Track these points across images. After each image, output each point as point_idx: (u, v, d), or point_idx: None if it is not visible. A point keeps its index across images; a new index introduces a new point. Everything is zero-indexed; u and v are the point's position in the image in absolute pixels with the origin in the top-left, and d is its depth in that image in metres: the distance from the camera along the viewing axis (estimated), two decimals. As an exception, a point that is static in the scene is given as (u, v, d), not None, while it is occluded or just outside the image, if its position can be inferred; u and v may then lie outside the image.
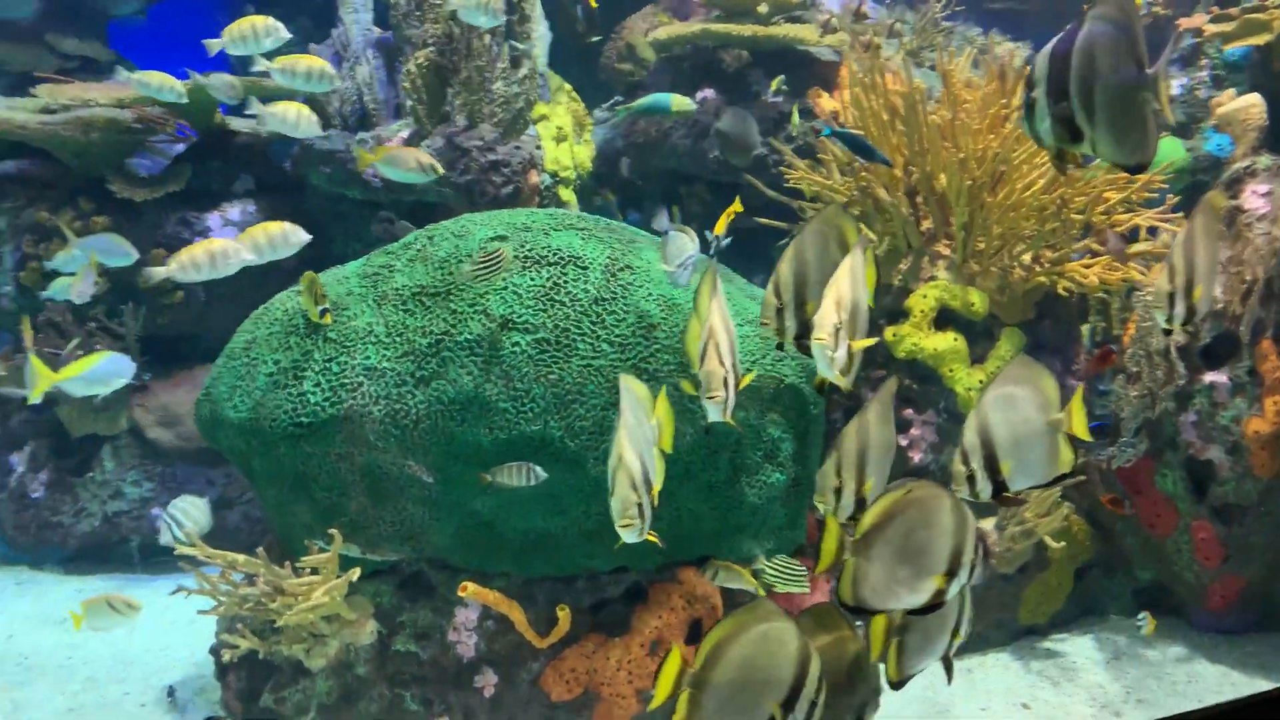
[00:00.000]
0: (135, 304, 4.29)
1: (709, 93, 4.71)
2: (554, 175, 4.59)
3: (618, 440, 2.17)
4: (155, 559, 4.36)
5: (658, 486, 2.17)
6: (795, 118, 4.30)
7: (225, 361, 3.02)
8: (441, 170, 3.64)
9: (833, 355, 2.10)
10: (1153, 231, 3.44)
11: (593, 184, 4.94)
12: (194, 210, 4.34)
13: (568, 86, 4.86)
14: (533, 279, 2.89)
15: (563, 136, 4.67)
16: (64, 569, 4.40)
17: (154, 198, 4.20)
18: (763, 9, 4.90)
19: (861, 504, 2.20)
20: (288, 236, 3.32)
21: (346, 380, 2.82)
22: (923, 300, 3.36)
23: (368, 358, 2.84)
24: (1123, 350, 3.45)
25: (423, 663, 3.00)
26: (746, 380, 2.17)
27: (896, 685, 2.48)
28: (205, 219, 4.34)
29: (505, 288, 2.87)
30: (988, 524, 3.48)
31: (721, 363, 2.19)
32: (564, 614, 3.02)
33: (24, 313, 4.30)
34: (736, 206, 2.74)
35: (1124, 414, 3.42)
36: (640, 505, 2.12)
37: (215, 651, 3.17)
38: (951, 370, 3.35)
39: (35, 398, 3.18)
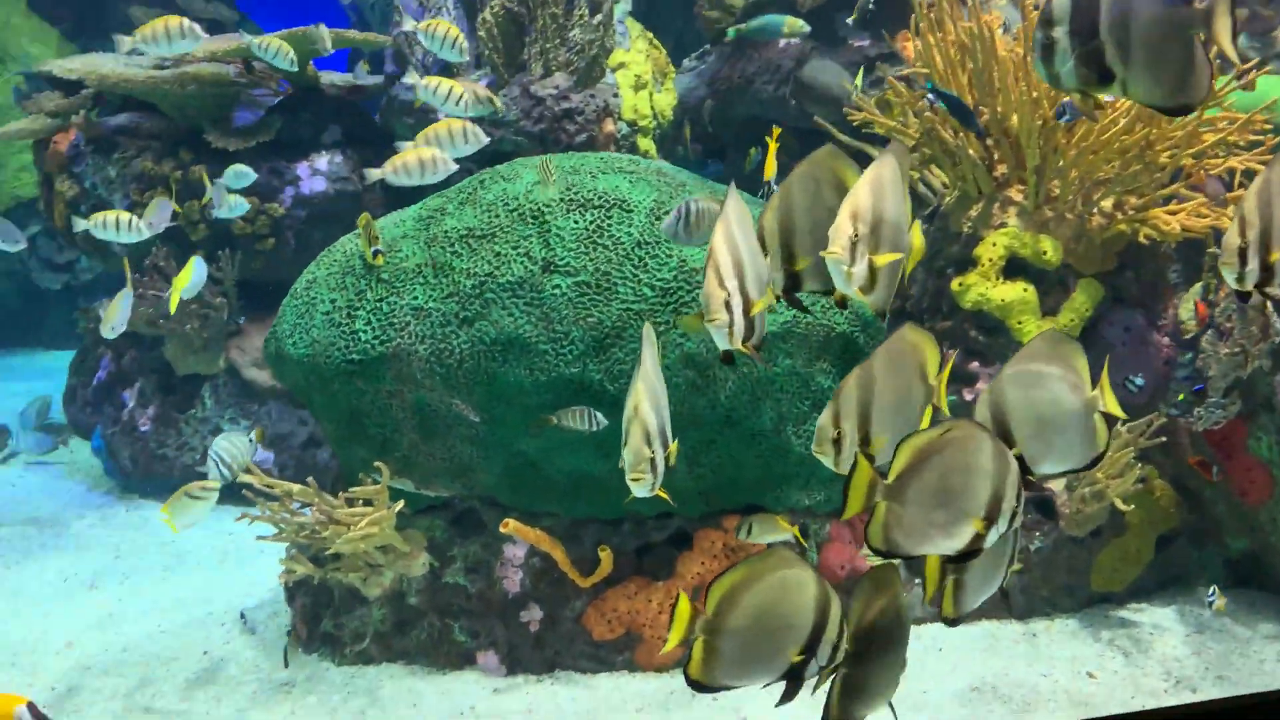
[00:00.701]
0: (231, 250, 4.51)
1: (794, 39, 4.58)
2: (632, 124, 4.57)
3: (635, 391, 2.12)
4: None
5: (674, 446, 2.12)
6: (859, 79, 4.14)
7: (289, 300, 3.15)
8: (499, 105, 3.66)
9: (849, 270, 1.97)
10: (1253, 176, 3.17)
11: (674, 132, 4.89)
12: (284, 160, 4.52)
13: (649, 34, 4.81)
14: (576, 222, 2.89)
15: (642, 84, 4.64)
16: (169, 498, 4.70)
17: (246, 147, 4.39)
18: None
19: (869, 460, 2.09)
20: (466, 133, 3.34)
21: (395, 319, 2.90)
22: (991, 248, 3.20)
23: (415, 298, 2.91)
24: (1212, 305, 3.22)
25: (471, 596, 3.09)
26: (759, 306, 2.04)
27: (952, 623, 2.40)
28: (295, 168, 4.52)
29: (549, 230, 2.89)
30: (1056, 484, 3.32)
31: (721, 284, 2.01)
32: (605, 554, 3.06)
33: (132, 256, 4.58)
34: (775, 136, 2.62)
35: (1212, 372, 3.19)
36: (653, 460, 2.08)
37: (284, 580, 3.34)
38: (1020, 322, 3.19)
39: (174, 309, 3.73)
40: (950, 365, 2.12)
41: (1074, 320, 3.19)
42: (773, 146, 2.66)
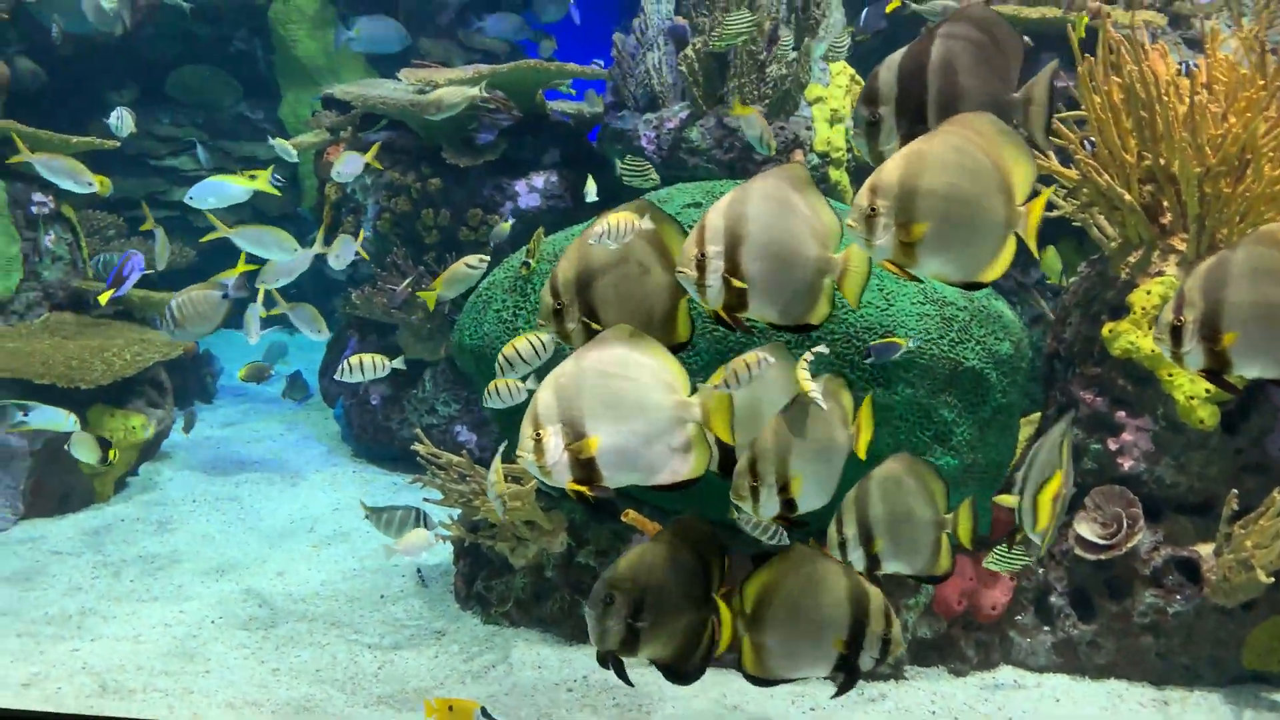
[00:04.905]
0: (457, 254, 5.12)
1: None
2: (824, 155, 4.73)
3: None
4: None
5: (594, 439, 1.94)
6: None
7: (473, 297, 3.61)
8: (773, 148, 3.99)
9: (870, 242, 1.92)
10: None
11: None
12: (507, 177, 5.07)
13: (850, 70, 4.94)
14: (714, 243, 3.13)
15: (838, 118, 4.78)
16: (390, 466, 5.38)
17: (475, 165, 4.97)
18: (1067, -13, 4.64)
19: (789, 504, 2.13)
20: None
21: (549, 320, 3.27)
22: (1145, 296, 3.11)
23: (568, 303, 3.26)
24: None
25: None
26: (738, 283, 2.00)
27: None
28: (514, 184, 5.06)
29: (690, 250, 3.15)
30: (1205, 549, 3.15)
31: (699, 243, 2.00)
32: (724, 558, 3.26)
33: (378, 254, 5.31)
34: None
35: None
36: (538, 440, 1.94)
37: (454, 542, 3.80)
38: (1171, 375, 3.07)
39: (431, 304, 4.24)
40: (867, 411, 2.11)
41: (1238, 381, 3.02)
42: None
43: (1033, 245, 1.98)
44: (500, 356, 3.04)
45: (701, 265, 2.12)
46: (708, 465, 2.11)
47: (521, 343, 3.05)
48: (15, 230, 4.33)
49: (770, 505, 2.16)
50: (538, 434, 1.95)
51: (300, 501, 4.87)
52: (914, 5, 4.25)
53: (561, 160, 5.17)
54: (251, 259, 4.25)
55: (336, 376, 4.15)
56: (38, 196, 4.50)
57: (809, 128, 4.68)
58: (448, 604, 3.76)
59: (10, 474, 4.08)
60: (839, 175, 4.84)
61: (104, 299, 4.00)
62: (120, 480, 4.67)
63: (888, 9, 5.60)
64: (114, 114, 4.65)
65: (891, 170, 1.97)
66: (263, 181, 4.23)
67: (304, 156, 8.23)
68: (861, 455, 2.24)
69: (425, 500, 3.56)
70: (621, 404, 1.98)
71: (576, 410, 1.95)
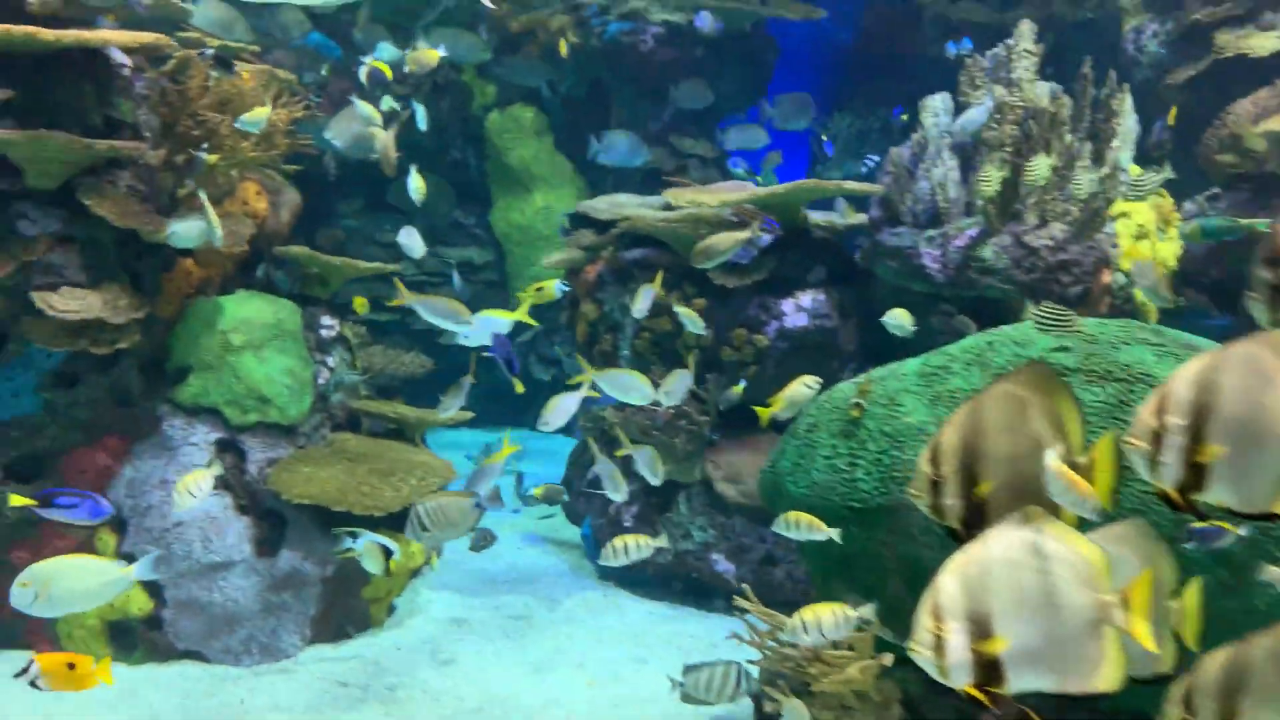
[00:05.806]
0: (718, 375, 4.96)
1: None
2: (1129, 275, 4.36)
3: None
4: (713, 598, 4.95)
5: (1003, 640, 1.70)
6: None
7: (789, 439, 3.39)
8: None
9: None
10: None
11: (1178, 283, 4.60)
12: (773, 296, 4.90)
13: (1155, 181, 4.60)
14: (1095, 394, 2.82)
15: (1143, 234, 4.42)
16: (642, 592, 5.18)
17: (742, 284, 4.83)
18: None
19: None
20: None
21: (897, 474, 3.01)
22: None
23: (918, 454, 3.00)
24: None
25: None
26: (1209, 453, 1.70)
27: None
28: (780, 304, 4.88)
29: (1064, 401, 2.85)
30: None
31: (1157, 413, 1.72)
32: (1097, 747, 2.87)
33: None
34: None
35: None
36: (939, 638, 1.71)
37: (755, 697, 3.53)
38: None
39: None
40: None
41: None
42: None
43: None
44: (796, 622, 2.83)
45: (1158, 439, 1.83)
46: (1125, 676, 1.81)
47: (825, 613, 2.83)
48: (308, 354, 4.41)
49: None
50: (939, 629, 1.73)
51: (560, 629, 4.71)
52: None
53: (827, 277, 4.98)
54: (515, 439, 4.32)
55: (600, 561, 4.03)
56: (325, 320, 4.60)
57: (1114, 244, 4.33)
58: (752, 768, 3.48)
59: (302, 600, 4.08)
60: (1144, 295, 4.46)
61: (519, 388, 4.40)
62: (390, 605, 4.64)
63: (1169, 120, 5.30)
64: (402, 234, 4.75)
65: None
66: (522, 313, 4.26)
67: (533, 263, 8.39)
68: None
69: (750, 662, 3.31)
70: (1034, 601, 1.75)
71: (984, 605, 1.73)
